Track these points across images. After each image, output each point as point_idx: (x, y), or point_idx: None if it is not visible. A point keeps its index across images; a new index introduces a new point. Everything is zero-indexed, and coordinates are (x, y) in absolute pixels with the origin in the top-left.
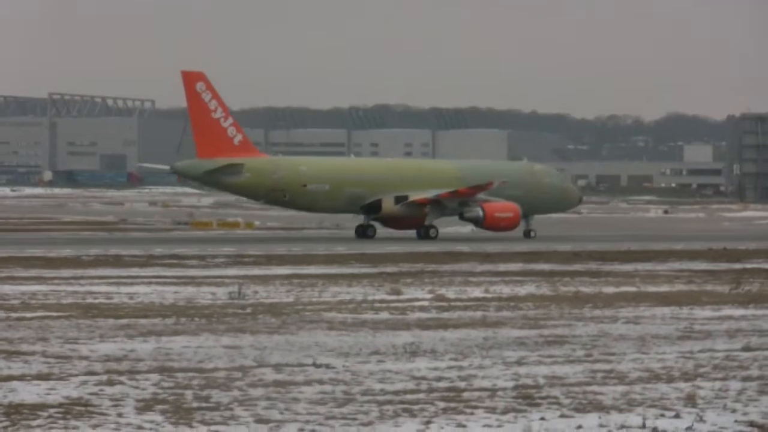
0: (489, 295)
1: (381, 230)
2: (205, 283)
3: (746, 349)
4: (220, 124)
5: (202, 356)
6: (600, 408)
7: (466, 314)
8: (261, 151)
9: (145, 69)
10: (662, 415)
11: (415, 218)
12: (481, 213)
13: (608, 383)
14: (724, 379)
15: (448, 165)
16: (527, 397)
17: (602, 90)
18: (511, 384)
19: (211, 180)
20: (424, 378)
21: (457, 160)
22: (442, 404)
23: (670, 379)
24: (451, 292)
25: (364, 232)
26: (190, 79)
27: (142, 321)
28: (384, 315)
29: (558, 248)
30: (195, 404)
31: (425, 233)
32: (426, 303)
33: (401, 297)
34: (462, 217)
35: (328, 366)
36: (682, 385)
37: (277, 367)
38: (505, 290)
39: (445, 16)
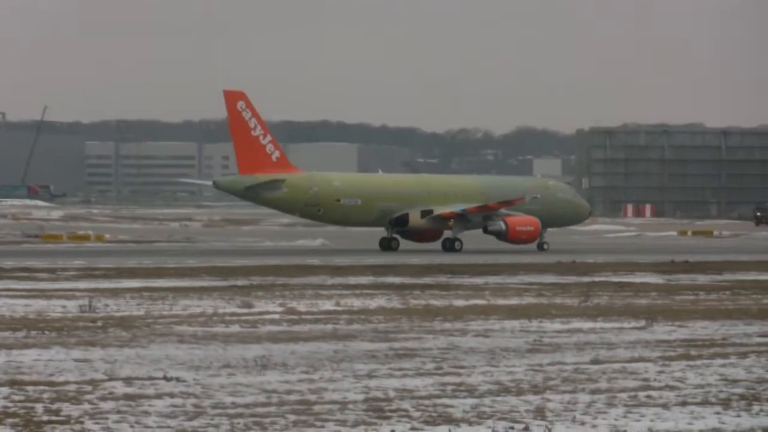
0: (340, 308)
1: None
2: (56, 296)
3: (595, 361)
4: (259, 141)
5: (52, 369)
6: (450, 421)
7: (317, 327)
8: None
9: None
10: (512, 428)
11: (437, 231)
12: (504, 226)
13: (458, 396)
14: (573, 391)
15: (471, 180)
16: (378, 410)
17: (452, 104)
18: (361, 397)
19: (251, 195)
20: (275, 391)
21: (478, 176)
22: (292, 417)
23: (520, 392)
24: (302, 305)
25: (388, 245)
26: (231, 97)
27: None
28: (235, 328)
29: (409, 261)
30: (45, 417)
31: (450, 245)
32: (277, 316)
33: (252, 310)
34: (486, 231)
35: (178, 379)
36: (531, 397)
37: (128, 381)
38: (356, 303)
39: (295, 30)
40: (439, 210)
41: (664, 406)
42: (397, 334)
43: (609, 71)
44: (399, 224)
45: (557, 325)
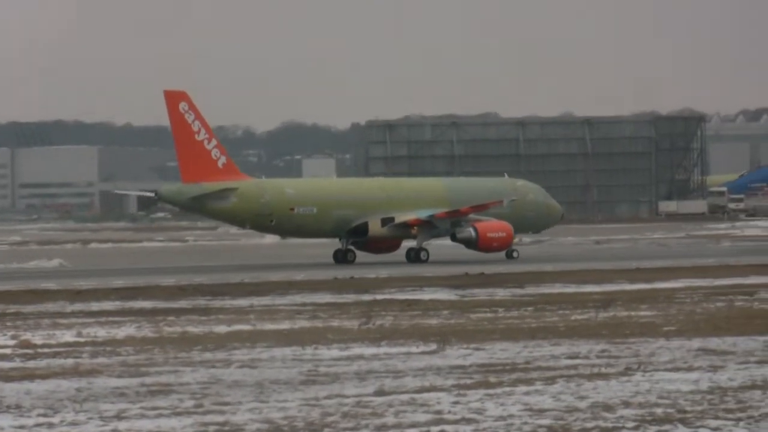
0: (82, 339)
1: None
2: None
3: (379, 393)
4: (204, 146)
5: None
6: None
7: (55, 362)
8: None
9: None
10: None
11: (396, 241)
12: (473, 233)
13: None
14: (355, 428)
15: (434, 183)
16: None
17: (206, 98)
18: None
19: (197, 206)
20: None
21: (442, 178)
22: None
23: (294, 431)
24: (37, 337)
25: (343, 257)
26: (172, 98)
27: None
28: None
29: (160, 282)
30: None
31: (416, 256)
32: (8, 351)
33: None
34: (454, 238)
35: None
36: None
37: None
38: (101, 333)
39: (35, 13)
40: (402, 217)
41: None
42: (149, 368)
43: (387, 59)
44: (358, 234)
45: (335, 352)
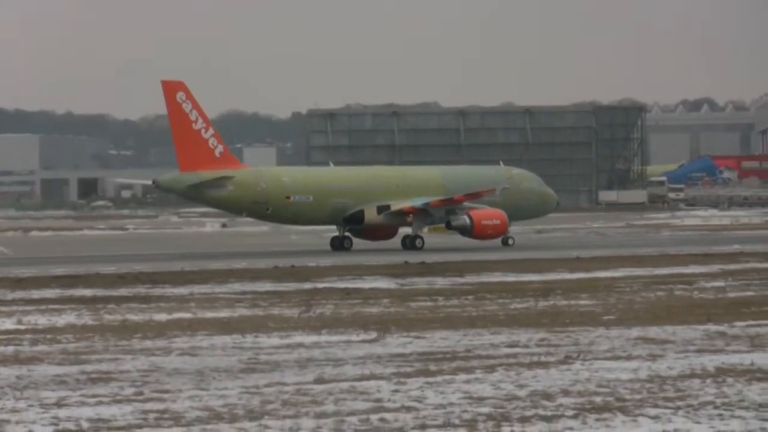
0: (22, 327)
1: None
2: None
3: (319, 381)
4: (201, 135)
5: None
6: None
7: None
8: None
9: None
10: None
11: (392, 228)
12: (468, 221)
13: (162, 425)
14: (295, 416)
15: (430, 172)
16: None
17: (148, 87)
18: (50, 429)
19: (194, 194)
20: None
21: (439, 166)
22: None
23: (234, 419)
24: None
25: (340, 244)
26: (170, 88)
27: None
28: None
29: (101, 270)
30: None
31: (411, 243)
32: None
33: None
34: (449, 226)
35: None
36: (247, 424)
37: None
38: (41, 320)
39: None
40: (397, 205)
41: (401, 430)
42: (89, 356)
43: (329, 47)
44: (354, 222)
45: (275, 340)
